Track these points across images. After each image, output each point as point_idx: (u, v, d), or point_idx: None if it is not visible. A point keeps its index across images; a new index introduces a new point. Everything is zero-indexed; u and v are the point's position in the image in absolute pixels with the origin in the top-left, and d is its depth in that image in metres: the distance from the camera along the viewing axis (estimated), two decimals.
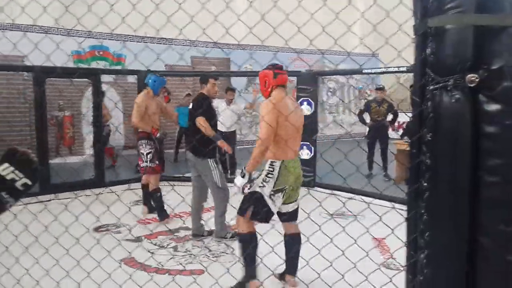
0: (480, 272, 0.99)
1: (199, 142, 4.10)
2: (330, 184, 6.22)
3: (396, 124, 8.71)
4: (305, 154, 7.12)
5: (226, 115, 7.24)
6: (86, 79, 7.32)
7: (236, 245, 3.51)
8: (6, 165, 1.12)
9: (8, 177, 1.11)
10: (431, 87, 1.01)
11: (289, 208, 3.32)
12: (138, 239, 4.48)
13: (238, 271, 3.13)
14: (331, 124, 13.43)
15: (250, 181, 3.21)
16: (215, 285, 2.38)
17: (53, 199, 5.84)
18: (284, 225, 3.38)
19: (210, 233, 4.61)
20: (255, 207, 3.14)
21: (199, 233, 4.58)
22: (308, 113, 7.09)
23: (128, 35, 9.93)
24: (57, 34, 9.17)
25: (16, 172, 1.12)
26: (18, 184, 1.12)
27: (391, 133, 8.13)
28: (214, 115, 4.57)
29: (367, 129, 7.88)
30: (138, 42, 9.85)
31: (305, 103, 7.10)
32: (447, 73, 0.99)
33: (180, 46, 10.37)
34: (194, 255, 4.10)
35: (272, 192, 3.15)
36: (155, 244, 4.41)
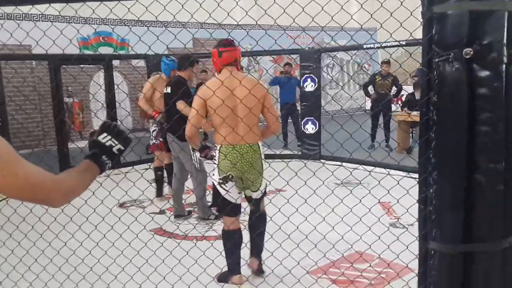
0: (476, 200, 1.31)
1: (179, 125, 3.64)
2: (335, 156, 6.52)
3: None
4: (310, 128, 7.44)
5: None
6: (95, 65, 7.57)
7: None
8: (104, 134, 1.42)
9: (107, 144, 1.41)
10: (437, 60, 1.31)
11: (254, 196, 3.11)
12: (161, 212, 4.84)
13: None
14: (332, 100, 13.68)
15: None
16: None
17: None
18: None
19: (190, 212, 4.74)
20: (215, 199, 3.05)
21: (181, 214, 4.62)
22: (312, 89, 7.39)
23: (131, 20, 10.08)
24: (63, 22, 9.35)
25: (113, 140, 1.42)
26: (114, 150, 1.42)
27: (393, 106, 8.37)
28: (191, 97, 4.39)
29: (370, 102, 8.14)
30: (140, 26, 10.01)
31: (308, 79, 7.38)
32: (448, 48, 1.29)
33: (181, 29, 10.51)
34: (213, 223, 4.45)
35: (220, 180, 2.96)
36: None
